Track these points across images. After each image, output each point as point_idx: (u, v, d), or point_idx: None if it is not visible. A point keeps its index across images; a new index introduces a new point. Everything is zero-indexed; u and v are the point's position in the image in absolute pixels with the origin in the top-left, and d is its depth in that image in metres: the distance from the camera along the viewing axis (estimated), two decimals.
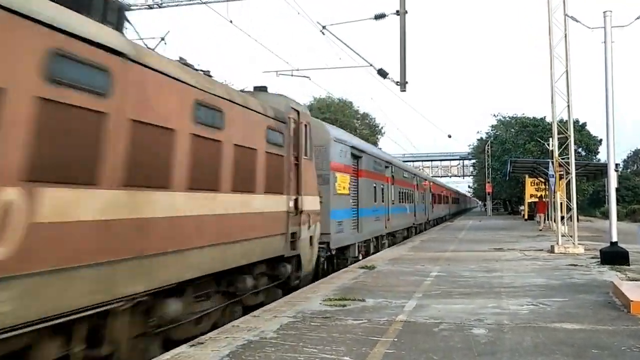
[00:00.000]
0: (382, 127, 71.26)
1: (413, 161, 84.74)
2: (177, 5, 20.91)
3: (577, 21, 18.57)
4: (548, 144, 35.15)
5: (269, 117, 10.65)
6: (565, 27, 18.89)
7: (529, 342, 7.04)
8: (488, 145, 67.69)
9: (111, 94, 6.11)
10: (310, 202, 12.69)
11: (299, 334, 7.60)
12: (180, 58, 8.66)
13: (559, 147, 20.63)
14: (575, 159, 20.45)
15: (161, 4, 20.87)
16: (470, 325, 8.04)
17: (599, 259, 15.70)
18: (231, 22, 17.38)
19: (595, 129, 60.30)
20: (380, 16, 17.67)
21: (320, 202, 13.59)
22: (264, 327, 8.02)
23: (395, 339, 7.24)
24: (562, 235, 19.86)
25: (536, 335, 7.36)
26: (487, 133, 72.91)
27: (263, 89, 12.13)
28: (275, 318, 8.66)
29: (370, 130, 68.20)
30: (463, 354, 6.50)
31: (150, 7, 20.95)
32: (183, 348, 6.93)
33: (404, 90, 17.67)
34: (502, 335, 7.43)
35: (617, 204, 22.21)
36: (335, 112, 60.57)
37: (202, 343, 7.16)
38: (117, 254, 6.15)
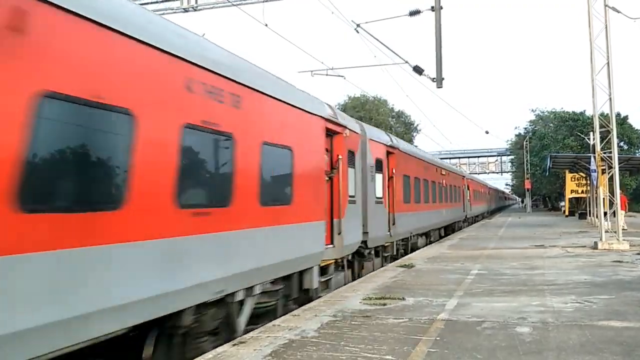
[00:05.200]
0: (417, 125, 70.96)
1: (450, 158, 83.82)
2: (212, 8, 21.15)
3: (617, 12, 18.15)
4: (588, 139, 34.43)
5: None
6: (605, 18, 18.45)
7: (575, 340, 6.89)
8: (526, 141, 66.67)
9: None
10: None
11: (339, 333, 7.60)
12: None
13: (600, 142, 20.17)
14: (617, 153, 19.93)
15: (197, 7, 21.13)
16: (514, 323, 7.92)
17: None
18: (266, 25, 17.42)
19: (638, 122, 58.91)
20: (415, 12, 17.56)
21: None
22: (305, 326, 8.05)
23: (438, 338, 7.17)
24: (606, 231, 19.40)
25: (582, 334, 7.20)
26: (525, 128, 71.98)
27: None
28: (316, 317, 8.67)
29: (405, 128, 67.96)
30: (508, 353, 6.40)
31: (185, 10, 21.23)
32: (225, 347, 7.00)
33: (440, 87, 17.52)
34: (547, 333, 7.29)
35: None
36: (370, 110, 60.56)
37: (243, 342, 7.21)
38: None
